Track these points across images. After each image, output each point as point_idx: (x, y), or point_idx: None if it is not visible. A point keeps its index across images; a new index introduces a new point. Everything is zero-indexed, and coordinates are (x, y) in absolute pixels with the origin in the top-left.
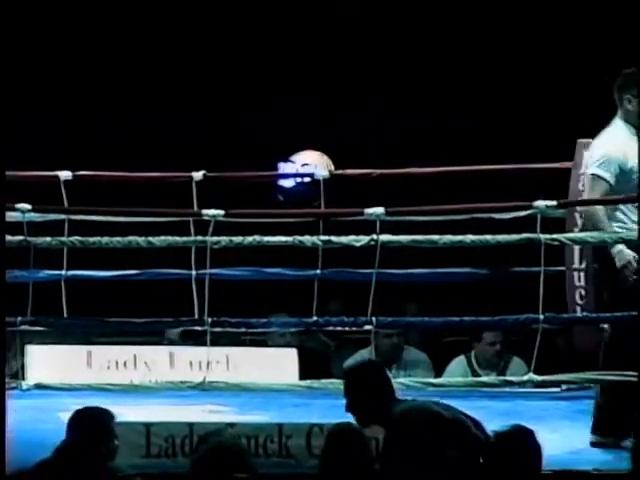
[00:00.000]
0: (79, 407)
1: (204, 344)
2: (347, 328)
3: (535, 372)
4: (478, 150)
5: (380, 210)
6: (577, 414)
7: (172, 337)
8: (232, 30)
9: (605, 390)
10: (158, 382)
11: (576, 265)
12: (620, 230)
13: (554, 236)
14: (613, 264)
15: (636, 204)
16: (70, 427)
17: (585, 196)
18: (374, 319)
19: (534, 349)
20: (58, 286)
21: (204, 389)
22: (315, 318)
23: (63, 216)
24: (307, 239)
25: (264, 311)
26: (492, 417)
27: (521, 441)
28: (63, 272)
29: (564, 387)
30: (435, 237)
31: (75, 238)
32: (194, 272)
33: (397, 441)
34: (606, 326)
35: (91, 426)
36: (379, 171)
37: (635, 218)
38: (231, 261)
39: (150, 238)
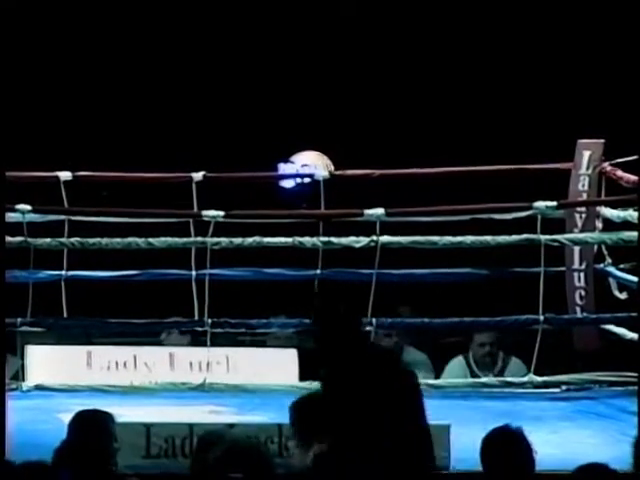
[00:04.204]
0: (79, 408)
1: (201, 345)
2: None
3: (535, 373)
4: (478, 150)
5: (380, 211)
6: (577, 414)
7: (172, 341)
8: (232, 30)
9: None
10: (158, 383)
11: (576, 266)
12: None
13: (554, 237)
14: None
15: None
16: (70, 429)
17: None
18: (374, 320)
19: (534, 350)
20: (58, 287)
21: (204, 390)
22: None
23: (63, 217)
24: (307, 240)
25: (264, 312)
26: (491, 417)
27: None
28: (63, 273)
29: (564, 388)
30: (435, 238)
31: (75, 239)
32: (194, 273)
33: None
34: None
35: (91, 428)
36: (379, 171)
37: None
38: (231, 261)
39: (150, 239)
